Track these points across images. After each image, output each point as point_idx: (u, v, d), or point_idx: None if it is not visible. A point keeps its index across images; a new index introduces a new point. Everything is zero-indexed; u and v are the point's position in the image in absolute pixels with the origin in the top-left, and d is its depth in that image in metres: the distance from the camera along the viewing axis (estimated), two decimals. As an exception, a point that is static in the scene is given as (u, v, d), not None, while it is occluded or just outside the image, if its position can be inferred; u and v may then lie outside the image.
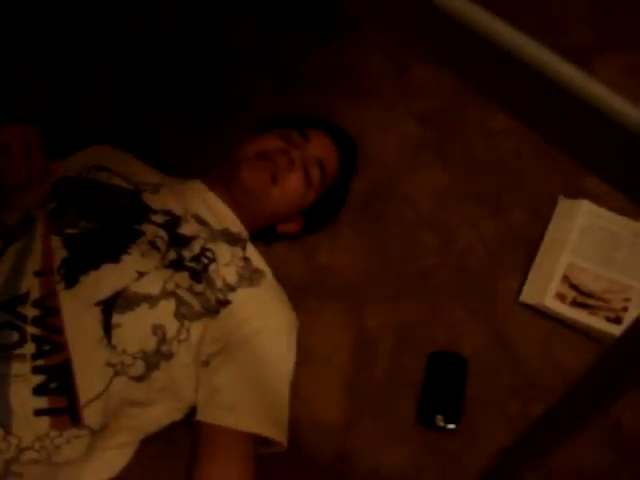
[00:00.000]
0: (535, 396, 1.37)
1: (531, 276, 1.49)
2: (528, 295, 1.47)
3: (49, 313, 1.11)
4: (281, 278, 1.39)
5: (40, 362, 1.07)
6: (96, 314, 1.13)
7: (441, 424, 1.34)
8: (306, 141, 1.41)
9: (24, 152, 1.12)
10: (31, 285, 1.13)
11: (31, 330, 1.09)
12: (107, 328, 1.13)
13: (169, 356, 1.18)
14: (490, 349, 1.43)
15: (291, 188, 1.38)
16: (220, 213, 1.36)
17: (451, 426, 1.34)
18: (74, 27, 1.76)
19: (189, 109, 1.66)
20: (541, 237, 1.53)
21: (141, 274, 1.18)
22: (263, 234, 1.45)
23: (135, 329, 1.16)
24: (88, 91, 1.66)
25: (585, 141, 0.45)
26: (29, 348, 1.07)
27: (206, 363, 1.24)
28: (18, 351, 1.07)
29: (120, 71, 1.69)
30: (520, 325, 1.46)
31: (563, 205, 1.57)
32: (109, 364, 1.12)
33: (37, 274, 1.15)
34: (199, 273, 1.25)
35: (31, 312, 1.11)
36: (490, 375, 1.40)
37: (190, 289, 1.22)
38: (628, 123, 0.40)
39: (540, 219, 1.56)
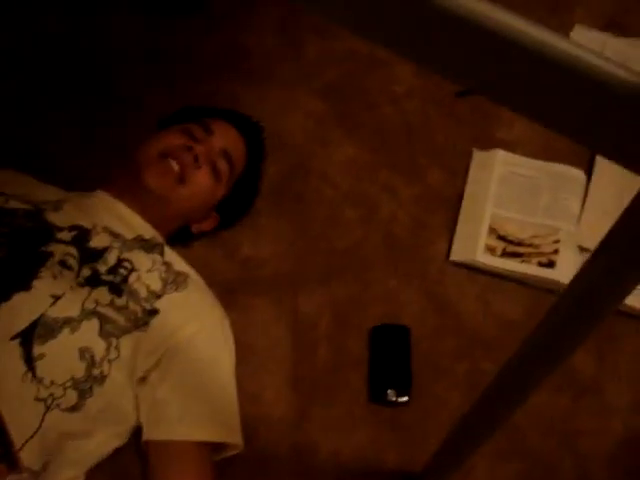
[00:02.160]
0: (483, 353, 1.36)
1: (458, 234, 1.47)
2: (458, 253, 1.46)
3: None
4: (206, 278, 1.32)
5: (-37, 412, 0.99)
6: (15, 348, 1.05)
7: (393, 399, 1.31)
8: (209, 134, 1.36)
9: None
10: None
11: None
12: (29, 361, 1.05)
13: (101, 379, 1.11)
14: (429, 313, 1.41)
15: (199, 186, 1.32)
16: (129, 221, 1.29)
17: (404, 399, 1.31)
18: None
19: (80, 118, 1.57)
20: (461, 194, 1.52)
21: (56, 297, 1.10)
22: (178, 236, 1.38)
23: (60, 357, 1.08)
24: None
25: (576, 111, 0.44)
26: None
27: (143, 379, 1.18)
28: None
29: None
30: (455, 284, 1.44)
31: (478, 158, 1.56)
32: (38, 399, 1.05)
33: (-57, 317, 1.06)
34: (118, 286, 1.17)
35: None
36: (434, 340, 1.38)
37: (112, 304, 1.15)
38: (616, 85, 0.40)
39: (457, 176, 1.55)
